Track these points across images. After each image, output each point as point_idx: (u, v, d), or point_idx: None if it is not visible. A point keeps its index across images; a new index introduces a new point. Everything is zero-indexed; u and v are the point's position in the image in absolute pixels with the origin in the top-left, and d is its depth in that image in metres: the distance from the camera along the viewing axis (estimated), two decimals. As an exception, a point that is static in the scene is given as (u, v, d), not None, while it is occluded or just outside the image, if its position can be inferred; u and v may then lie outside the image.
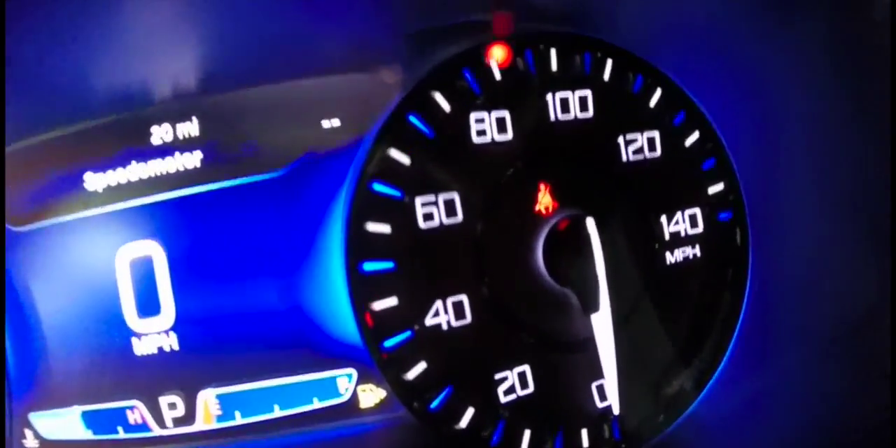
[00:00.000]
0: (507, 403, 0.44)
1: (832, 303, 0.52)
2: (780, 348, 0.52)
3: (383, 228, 0.41)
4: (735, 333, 0.53)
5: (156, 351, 0.49)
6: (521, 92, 0.47)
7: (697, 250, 0.52)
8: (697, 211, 0.52)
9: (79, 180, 0.51)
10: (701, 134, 0.53)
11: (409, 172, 0.42)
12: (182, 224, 0.49)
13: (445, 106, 0.44)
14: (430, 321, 0.42)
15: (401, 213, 0.42)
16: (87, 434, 0.50)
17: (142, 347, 0.50)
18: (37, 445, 0.51)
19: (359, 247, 0.41)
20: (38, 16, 0.40)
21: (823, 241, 0.53)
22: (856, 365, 0.50)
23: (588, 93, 0.49)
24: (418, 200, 0.42)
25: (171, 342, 0.49)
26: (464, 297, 0.43)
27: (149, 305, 0.49)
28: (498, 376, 0.44)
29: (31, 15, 0.40)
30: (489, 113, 0.45)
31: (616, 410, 0.47)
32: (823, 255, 0.52)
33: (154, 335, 0.49)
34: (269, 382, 0.48)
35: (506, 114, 0.46)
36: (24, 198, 0.51)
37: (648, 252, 0.50)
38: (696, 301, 0.51)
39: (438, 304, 0.42)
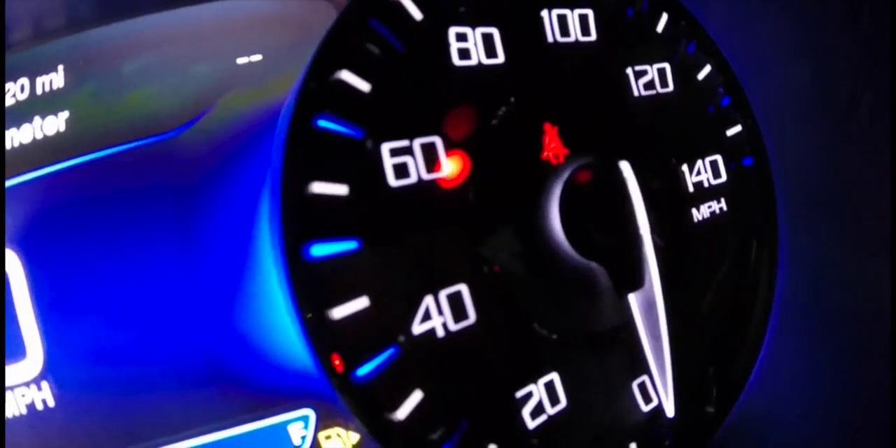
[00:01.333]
0: (537, 428, 0.27)
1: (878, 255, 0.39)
2: (826, 317, 0.39)
3: (337, 189, 0.23)
4: (775, 299, 0.40)
5: (25, 411, 0.28)
6: (514, 6, 0.29)
7: (724, 204, 0.37)
8: (718, 157, 0.37)
9: None
10: (714, 66, 0.37)
11: (371, 104, 0.24)
12: (45, 217, 0.29)
13: (416, 13, 0.26)
14: (418, 328, 0.24)
15: (361, 165, 0.23)
16: None
17: (8, 407, 0.29)
18: None
19: (302, 221, 0.22)
20: None
21: (859, 190, 0.40)
22: None
23: (589, 12, 0.32)
24: (385, 147, 0.24)
25: (44, 396, 0.28)
26: (462, 288, 0.25)
27: (10, 345, 0.29)
28: (520, 394, 0.27)
29: None
30: (473, 29, 0.28)
31: (669, 413, 0.33)
32: (863, 204, 0.39)
33: (19, 388, 0.29)
34: (194, 442, 0.28)
35: (494, 31, 0.28)
36: None
37: (675, 209, 0.35)
38: (729, 263, 0.36)
39: (429, 300, 0.24)
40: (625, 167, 0.29)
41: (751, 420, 0.39)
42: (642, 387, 0.32)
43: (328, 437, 0.29)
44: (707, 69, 0.39)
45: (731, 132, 0.39)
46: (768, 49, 0.41)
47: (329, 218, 0.23)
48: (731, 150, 0.39)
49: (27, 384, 0.31)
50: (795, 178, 0.42)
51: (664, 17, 0.39)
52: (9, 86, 0.35)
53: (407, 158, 0.25)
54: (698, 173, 0.40)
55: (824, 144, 0.42)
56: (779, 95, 0.42)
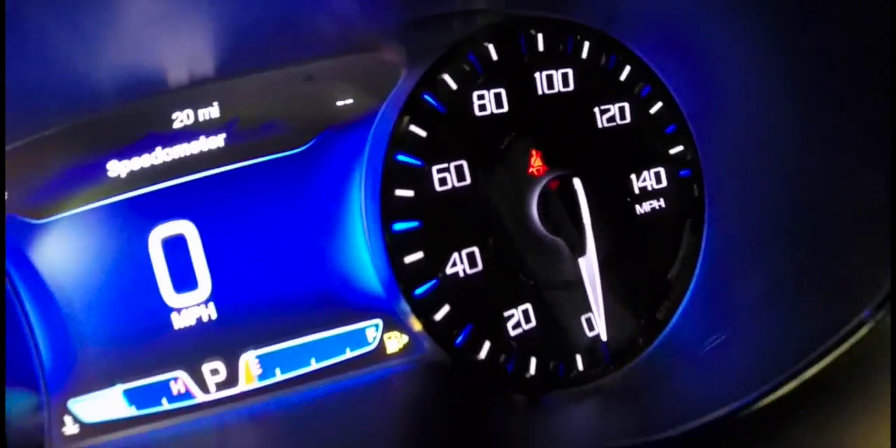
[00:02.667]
0: (516, 336, 0.58)
1: (778, 243, 0.68)
2: (736, 281, 0.68)
3: (408, 193, 0.54)
4: (696, 270, 0.68)
5: (195, 322, 0.60)
6: (515, 71, 0.59)
7: (662, 202, 0.66)
8: (662, 169, 0.66)
9: (101, 169, 0.60)
10: (663, 103, 0.67)
11: (427, 144, 0.54)
12: (212, 202, 0.60)
13: (453, 85, 0.56)
14: (450, 270, 0.54)
15: (421, 180, 0.54)
16: (130, 410, 0.60)
17: (181, 321, 0.60)
18: (77, 431, 0.61)
19: (390, 210, 0.53)
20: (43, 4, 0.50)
21: (769, 195, 0.69)
22: (805, 292, 0.66)
23: (569, 70, 0.61)
24: (434, 168, 0.54)
25: (210, 312, 0.60)
26: (475, 249, 0.55)
27: (185, 281, 0.60)
28: (507, 314, 0.57)
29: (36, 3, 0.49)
30: (488, 90, 0.57)
31: (604, 337, 0.62)
32: (769, 205, 0.68)
33: (192, 308, 0.60)
34: (305, 339, 0.60)
35: (502, 90, 0.58)
36: (42, 191, 0.60)
37: (622, 205, 0.64)
38: (664, 243, 0.67)
39: (455, 255, 0.55)
40: (576, 182, 0.57)
41: (669, 352, 0.68)
42: (588, 320, 0.61)
43: (389, 338, 0.60)
44: (658, 105, 0.66)
45: (673, 151, 0.67)
46: (705, 91, 0.69)
47: (403, 209, 0.53)
48: (672, 164, 0.67)
49: (197, 305, 0.61)
50: (720, 185, 0.71)
51: (626, 69, 0.67)
52: (176, 114, 0.64)
53: (446, 174, 0.55)
54: (644, 180, 0.67)
55: (743, 159, 0.70)
56: (711, 124, 0.70)
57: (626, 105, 0.64)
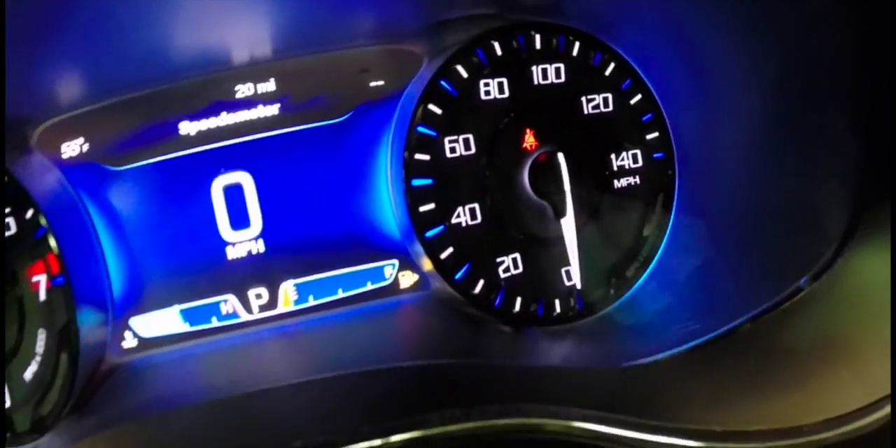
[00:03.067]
0: (505, 279, 0.76)
1: (735, 218, 0.86)
2: (696, 249, 0.86)
3: (425, 157, 0.72)
4: (665, 236, 0.86)
5: (245, 254, 0.79)
6: (515, 64, 0.77)
7: (637, 179, 0.83)
8: (638, 151, 0.83)
9: (174, 128, 0.78)
10: (642, 96, 0.83)
11: (441, 119, 0.73)
12: (266, 158, 0.78)
13: (464, 74, 0.74)
14: (454, 220, 0.73)
15: (436, 147, 0.73)
16: (184, 327, 0.78)
17: (234, 253, 0.78)
18: (135, 344, 0.79)
19: (410, 170, 0.72)
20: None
21: (734, 174, 0.87)
22: (750, 262, 0.84)
23: (561, 65, 0.79)
24: (446, 139, 0.73)
25: (259, 247, 0.79)
26: (476, 205, 0.74)
27: (240, 220, 0.79)
28: (499, 260, 0.75)
29: None
30: (493, 79, 0.75)
31: (579, 287, 0.80)
32: (732, 183, 0.86)
33: (244, 243, 0.79)
34: (334, 272, 0.79)
35: (504, 80, 0.76)
36: (122, 144, 0.78)
37: (601, 178, 0.81)
38: (637, 213, 0.84)
39: (460, 208, 0.73)
40: (560, 156, 0.74)
41: (635, 305, 0.87)
42: (567, 272, 0.77)
43: (403, 276, 0.78)
44: (637, 97, 0.82)
45: (649, 136, 0.83)
46: (679, 87, 0.87)
47: (420, 170, 0.72)
48: (647, 147, 0.83)
49: (249, 240, 0.79)
50: (688, 168, 0.89)
51: (611, 65, 0.84)
52: (239, 86, 0.84)
53: (455, 144, 0.72)
54: (622, 160, 0.84)
55: (710, 146, 0.88)
56: (683, 115, 0.88)
57: (610, 96, 0.81)
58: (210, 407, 0.66)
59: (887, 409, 0.56)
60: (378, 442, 0.53)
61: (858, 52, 0.67)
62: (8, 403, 0.73)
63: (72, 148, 0.79)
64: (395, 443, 0.53)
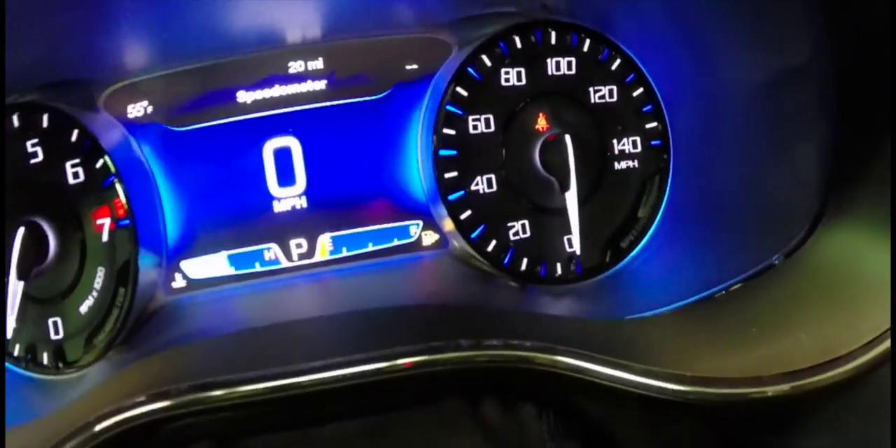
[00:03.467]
0: (514, 241, 0.87)
1: (721, 200, 0.94)
2: (685, 225, 0.94)
3: (451, 132, 0.84)
4: (658, 214, 0.95)
5: (289, 208, 0.90)
6: (532, 56, 0.88)
7: (635, 163, 0.92)
8: (637, 138, 0.92)
9: (232, 96, 0.89)
10: (644, 89, 0.93)
11: (467, 101, 0.84)
12: (313, 126, 0.89)
13: (488, 63, 0.86)
14: (473, 187, 0.85)
15: (461, 124, 0.85)
16: (229, 270, 0.90)
17: (279, 207, 0.90)
18: (184, 285, 0.90)
19: (438, 142, 0.84)
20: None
21: (722, 161, 0.95)
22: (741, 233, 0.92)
23: (573, 59, 0.89)
24: (470, 117, 0.84)
25: (302, 202, 0.90)
26: (492, 176, 0.86)
27: (286, 178, 0.90)
28: (509, 224, 0.87)
29: None
30: (512, 68, 0.86)
31: (577, 253, 0.90)
32: (719, 168, 0.94)
33: (289, 198, 0.90)
34: (367, 228, 0.91)
35: (522, 69, 0.87)
36: (184, 108, 0.89)
37: (603, 159, 0.91)
38: (633, 192, 0.93)
39: (478, 177, 0.85)
40: (567, 138, 0.84)
41: (629, 274, 0.96)
42: (568, 239, 0.88)
43: (426, 234, 0.90)
44: (639, 90, 0.91)
45: (648, 125, 0.92)
46: (678, 82, 0.95)
47: (448, 141, 0.84)
48: (645, 135, 0.93)
49: (293, 196, 0.89)
50: (681, 155, 0.97)
51: (617, 61, 0.93)
52: (291, 63, 0.93)
53: (478, 122, 0.83)
54: (623, 145, 0.93)
55: (703, 135, 0.97)
56: (680, 108, 0.96)
57: (614, 87, 0.92)
58: (245, 336, 0.77)
59: (841, 368, 0.63)
60: (384, 364, 0.62)
61: (831, 53, 0.76)
62: (61, 335, 0.84)
63: (137, 109, 0.88)
64: (402, 365, 0.62)
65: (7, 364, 0.84)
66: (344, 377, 0.61)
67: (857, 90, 0.74)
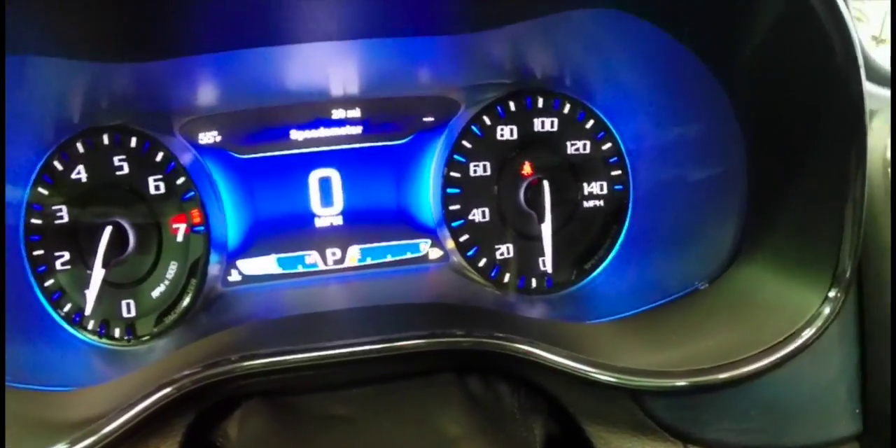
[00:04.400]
0: (500, 260, 1.10)
1: (667, 238, 1.11)
2: (638, 254, 1.12)
3: (457, 174, 1.07)
4: (617, 244, 1.10)
5: (328, 225, 1.09)
6: (523, 116, 1.09)
7: (601, 202, 1.07)
8: (604, 183, 1.08)
9: (286, 133, 1.07)
10: (612, 144, 1.08)
11: (470, 151, 1.07)
12: (350, 161, 1.09)
13: (488, 122, 1.08)
14: (471, 217, 1.08)
15: (464, 169, 1.07)
16: (277, 270, 1.10)
17: (320, 223, 1.09)
18: (239, 279, 1.06)
19: (446, 182, 1.06)
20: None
21: (670, 206, 1.10)
22: (677, 260, 1.07)
23: (555, 119, 1.09)
24: (471, 164, 1.07)
25: (338, 220, 1.10)
26: (486, 209, 1.08)
27: (327, 201, 1.09)
28: (496, 246, 1.09)
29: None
30: (506, 126, 1.09)
31: (549, 271, 1.09)
32: (668, 212, 1.11)
33: (328, 217, 1.10)
34: (387, 243, 1.11)
35: (514, 127, 1.09)
36: (246, 139, 1.06)
37: (574, 199, 1.10)
38: (598, 225, 1.11)
39: (475, 210, 1.07)
40: (545, 183, 1.05)
41: (591, 289, 1.13)
42: (542, 261, 1.10)
43: (433, 251, 1.13)
44: (608, 145, 1.12)
45: (613, 173, 1.12)
46: (639, 139, 1.13)
47: (452, 182, 1.08)
48: (610, 181, 1.13)
49: (331, 215, 1.09)
50: (638, 197, 1.15)
51: (590, 121, 1.11)
52: (335, 111, 1.11)
53: (477, 168, 1.08)
54: (591, 187, 1.12)
55: (657, 183, 1.14)
56: (640, 161, 1.13)
57: (588, 142, 1.09)
58: (286, 321, 0.92)
59: (735, 370, 0.74)
60: (394, 344, 0.76)
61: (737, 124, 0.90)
62: (133, 314, 0.98)
63: (207, 137, 1.03)
64: (407, 345, 0.76)
65: (82, 336, 0.98)
66: (362, 352, 0.76)
67: (766, 160, 0.88)
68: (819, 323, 0.74)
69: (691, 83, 0.91)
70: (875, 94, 0.86)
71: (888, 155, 0.80)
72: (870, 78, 0.76)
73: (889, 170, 0.80)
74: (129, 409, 0.70)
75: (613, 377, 0.75)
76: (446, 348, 0.77)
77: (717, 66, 0.88)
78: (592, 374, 0.75)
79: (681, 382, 0.74)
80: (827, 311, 0.74)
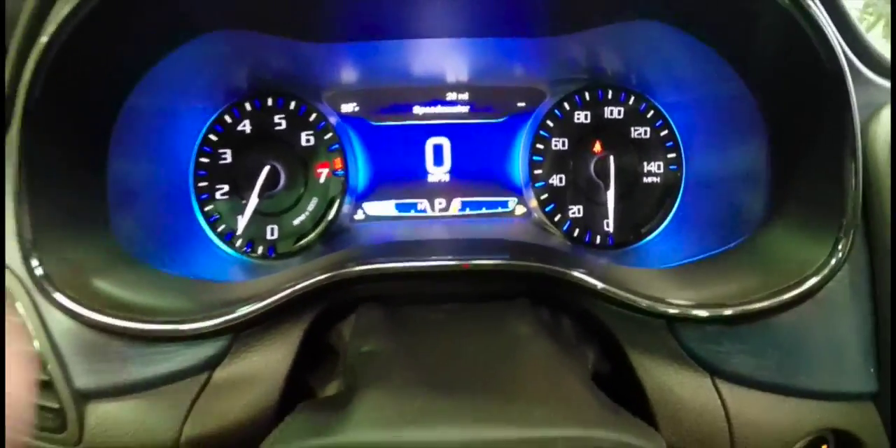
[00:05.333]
0: (572, 218, 1.34)
1: (717, 214, 1.25)
2: (688, 223, 1.29)
3: (541, 146, 1.34)
4: (670, 215, 1.23)
5: (438, 180, 1.36)
6: (595, 105, 1.33)
7: (658, 179, 1.23)
8: (661, 163, 1.23)
9: (411, 108, 1.27)
10: (668, 131, 1.22)
11: (552, 129, 1.35)
12: (458, 132, 1.34)
13: (567, 108, 1.35)
14: (550, 181, 1.35)
15: (547, 143, 1.34)
16: (394, 212, 1.33)
17: (432, 178, 1.34)
18: (363, 217, 1.27)
19: (533, 152, 1.32)
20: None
21: (714, 184, 1.26)
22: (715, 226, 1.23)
23: (622, 108, 1.34)
24: (553, 139, 1.35)
25: (446, 178, 1.37)
26: (563, 176, 1.34)
27: (438, 162, 1.30)
28: (569, 207, 1.35)
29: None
30: (582, 112, 1.35)
31: (611, 231, 1.30)
32: (713, 190, 1.26)
33: (438, 174, 1.37)
34: (483, 198, 1.38)
35: (588, 113, 1.35)
36: (379, 111, 1.26)
37: (635, 174, 1.31)
38: (655, 198, 1.23)
39: (554, 176, 1.35)
40: (611, 158, 1.28)
41: (646, 250, 1.31)
42: (607, 222, 1.33)
43: (518, 207, 1.38)
44: (665, 131, 1.35)
45: (669, 155, 1.35)
46: (692, 127, 1.29)
47: (538, 153, 1.34)
48: (666, 161, 1.35)
49: (441, 173, 1.35)
50: (691, 177, 1.31)
51: (650, 112, 1.34)
52: (448, 94, 1.34)
53: (558, 143, 1.34)
54: (650, 166, 1.34)
55: (709, 165, 1.29)
56: (694, 143, 1.30)
57: (648, 129, 1.25)
58: (397, 245, 1.13)
59: (748, 306, 0.81)
60: (483, 262, 0.91)
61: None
62: (276, 236, 1.17)
63: (348, 107, 1.26)
64: (483, 264, 0.90)
65: (231, 252, 1.16)
66: (451, 266, 0.91)
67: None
68: (825, 272, 0.81)
69: (723, 84, 1.03)
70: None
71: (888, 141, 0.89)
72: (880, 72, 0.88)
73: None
74: (265, 298, 0.83)
75: (646, 302, 0.85)
76: (518, 270, 0.91)
77: (740, 67, 0.99)
78: (631, 298, 0.85)
79: (702, 313, 0.83)
80: (833, 261, 0.81)
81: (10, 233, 0.78)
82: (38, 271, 0.79)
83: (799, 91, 0.90)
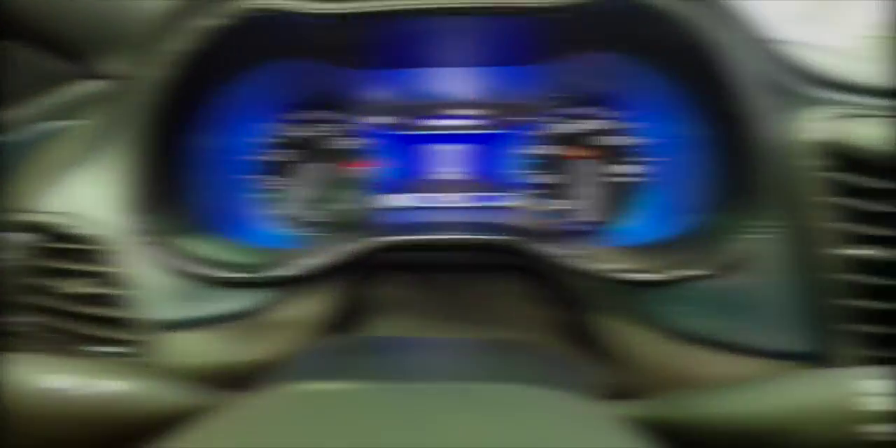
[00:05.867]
0: (559, 208, 1.52)
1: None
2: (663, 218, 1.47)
3: (536, 152, 1.58)
4: (639, 203, 1.38)
5: (452, 178, 1.53)
6: (582, 118, 1.53)
7: (630, 178, 1.52)
8: (631, 166, 1.35)
9: (431, 120, 1.37)
10: (637, 139, 1.48)
11: (546, 138, 1.59)
12: (469, 140, 1.44)
13: (557, 120, 1.57)
14: (542, 180, 1.57)
15: (542, 150, 1.58)
16: (413, 203, 1.53)
17: (447, 177, 1.47)
18: (390, 206, 1.39)
19: (529, 155, 1.57)
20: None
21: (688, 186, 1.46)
22: None
23: (600, 121, 1.55)
24: (546, 147, 1.59)
25: (458, 176, 1.50)
26: (552, 176, 1.56)
27: (452, 163, 1.46)
28: (556, 200, 1.55)
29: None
30: (568, 123, 1.53)
31: (588, 220, 1.50)
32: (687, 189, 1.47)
33: (453, 173, 1.53)
34: (486, 193, 1.57)
35: (574, 124, 1.54)
36: (406, 122, 1.41)
37: (612, 175, 1.53)
38: (626, 192, 1.50)
39: (545, 175, 1.57)
40: (592, 162, 1.53)
41: (628, 227, 1.54)
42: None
43: (514, 202, 1.58)
44: (635, 140, 1.55)
45: (639, 160, 1.55)
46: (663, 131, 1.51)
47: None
48: (636, 165, 1.55)
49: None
50: (657, 177, 1.54)
51: (629, 123, 1.53)
52: (461, 110, 1.59)
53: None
54: (622, 168, 1.54)
55: (681, 169, 1.51)
56: (659, 148, 1.52)
57: (619, 138, 1.45)
58: (418, 225, 1.29)
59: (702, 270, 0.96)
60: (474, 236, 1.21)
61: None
62: (318, 218, 1.40)
63: (378, 118, 1.42)
64: (479, 239, 1.18)
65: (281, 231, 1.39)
66: (461, 240, 1.21)
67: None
68: (753, 243, 0.93)
69: (679, 103, 1.24)
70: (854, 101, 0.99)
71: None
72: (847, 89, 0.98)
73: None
74: (309, 259, 1.09)
75: (610, 269, 1.03)
76: (510, 245, 1.16)
77: (691, 86, 1.20)
78: (599, 267, 1.04)
79: (655, 277, 0.99)
80: (750, 237, 0.94)
81: (106, 196, 1.02)
82: (134, 226, 1.02)
83: (724, 105, 1.07)
